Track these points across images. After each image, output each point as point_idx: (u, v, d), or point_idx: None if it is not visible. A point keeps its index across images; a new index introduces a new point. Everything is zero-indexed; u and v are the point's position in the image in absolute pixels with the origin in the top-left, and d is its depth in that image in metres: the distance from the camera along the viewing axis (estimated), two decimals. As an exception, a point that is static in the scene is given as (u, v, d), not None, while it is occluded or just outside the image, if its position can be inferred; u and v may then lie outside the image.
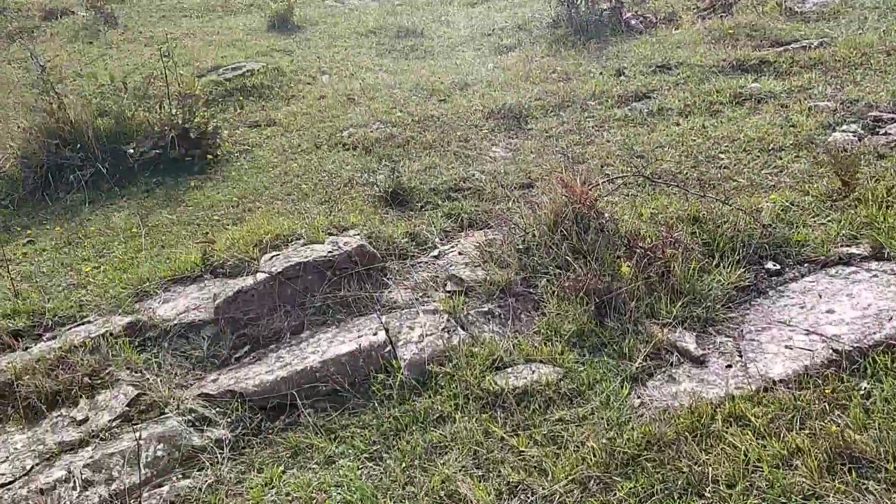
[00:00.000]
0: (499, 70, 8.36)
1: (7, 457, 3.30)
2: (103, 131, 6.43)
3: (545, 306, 3.96)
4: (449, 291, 4.19)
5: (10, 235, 5.69)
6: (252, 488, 3.10)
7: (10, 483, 3.13)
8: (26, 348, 4.02)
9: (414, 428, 3.32)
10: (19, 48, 10.07)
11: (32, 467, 3.21)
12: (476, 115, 6.91)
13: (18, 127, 6.58)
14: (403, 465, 3.12)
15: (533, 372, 3.50)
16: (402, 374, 3.58)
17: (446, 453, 3.15)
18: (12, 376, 3.75)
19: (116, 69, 8.44)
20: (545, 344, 3.70)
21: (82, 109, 6.53)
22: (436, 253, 4.68)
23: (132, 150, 6.34)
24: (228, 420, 3.49)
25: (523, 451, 3.08)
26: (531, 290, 4.11)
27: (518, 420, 3.26)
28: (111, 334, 3.96)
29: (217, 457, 3.29)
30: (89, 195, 6.11)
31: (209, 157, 6.54)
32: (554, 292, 3.99)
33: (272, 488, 3.10)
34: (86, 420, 3.48)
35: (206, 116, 6.76)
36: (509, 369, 3.55)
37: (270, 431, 3.47)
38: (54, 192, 6.23)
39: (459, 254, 4.57)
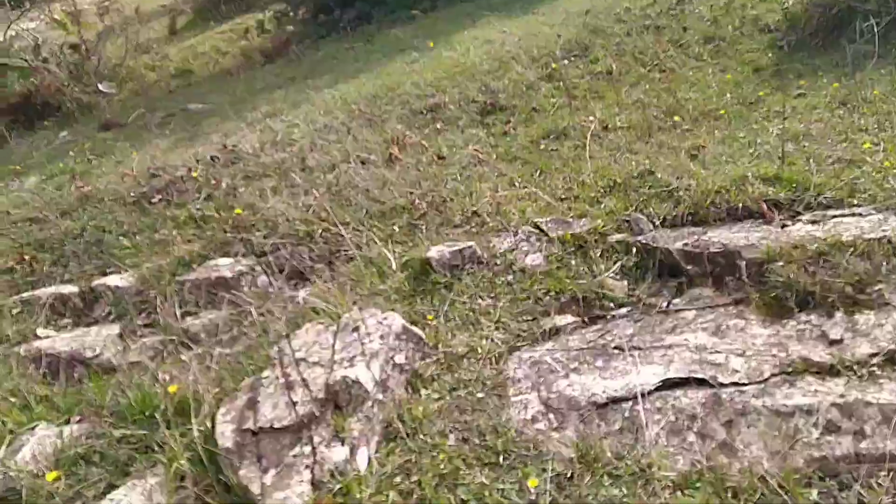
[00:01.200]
0: None
1: (743, 351, 2.93)
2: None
3: None
4: None
5: (782, 82, 5.18)
6: None
7: (742, 385, 2.76)
8: (783, 225, 3.55)
9: None
10: None
11: (769, 378, 2.77)
12: None
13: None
14: None
15: None
16: None
17: None
18: (764, 255, 3.34)
19: None
20: None
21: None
22: None
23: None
24: None
25: None
26: None
27: None
28: (889, 241, 3.17)
29: None
30: (878, 49, 5.11)
31: None
32: None
33: None
34: (839, 342, 2.86)
35: None
36: None
37: None
38: (837, 39, 5.42)
39: None
